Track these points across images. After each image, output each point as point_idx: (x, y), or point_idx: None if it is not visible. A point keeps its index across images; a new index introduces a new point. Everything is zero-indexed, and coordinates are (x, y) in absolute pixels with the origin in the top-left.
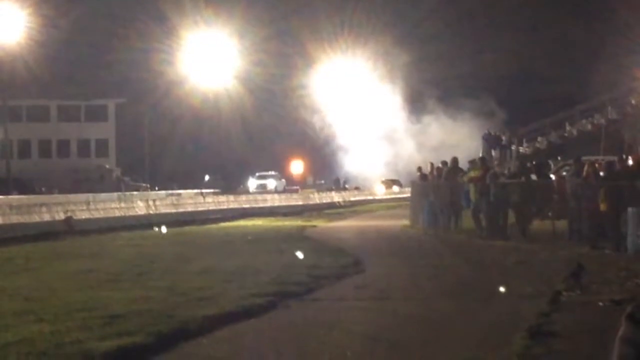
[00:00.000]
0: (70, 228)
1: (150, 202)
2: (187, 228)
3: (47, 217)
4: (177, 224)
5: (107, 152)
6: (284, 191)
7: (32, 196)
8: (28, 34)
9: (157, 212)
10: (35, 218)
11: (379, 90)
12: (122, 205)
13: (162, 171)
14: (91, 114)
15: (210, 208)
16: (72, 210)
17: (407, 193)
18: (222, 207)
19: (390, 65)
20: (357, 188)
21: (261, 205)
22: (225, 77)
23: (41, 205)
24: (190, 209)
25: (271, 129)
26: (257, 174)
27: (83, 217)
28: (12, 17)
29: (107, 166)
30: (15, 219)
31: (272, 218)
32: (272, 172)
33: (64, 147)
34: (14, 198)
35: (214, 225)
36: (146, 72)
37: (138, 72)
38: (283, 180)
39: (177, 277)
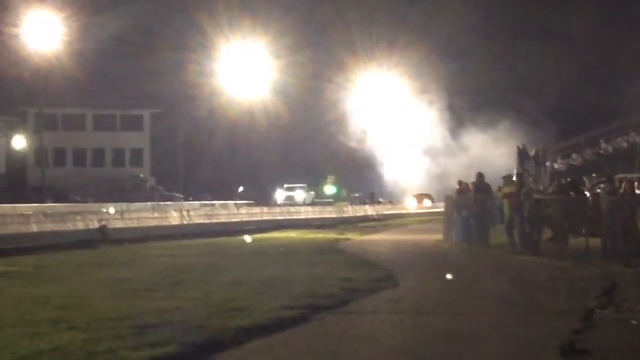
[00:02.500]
0: (104, 237)
1: (185, 213)
2: (220, 239)
3: (81, 226)
4: (210, 235)
5: (142, 162)
6: (313, 203)
7: (66, 205)
8: (65, 43)
9: (191, 222)
10: (70, 227)
11: (416, 103)
12: (157, 215)
13: (197, 182)
14: (127, 124)
15: (244, 220)
16: (107, 220)
17: (440, 208)
18: (256, 218)
19: (427, 78)
20: (390, 202)
21: (295, 217)
22: (261, 89)
23: (76, 214)
24: (224, 220)
25: (306, 141)
26: (285, 186)
27: (117, 226)
28: (49, 26)
29: (142, 176)
30: (49, 227)
31: (306, 230)
32: (301, 184)
33: (99, 156)
34: (49, 206)
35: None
36: (182, 83)
37: (174, 83)
38: (312, 192)
39: (210, 287)
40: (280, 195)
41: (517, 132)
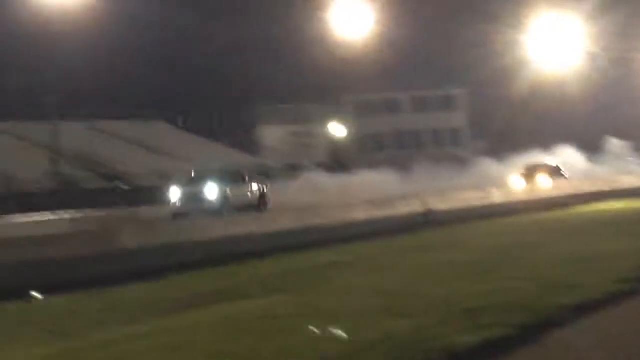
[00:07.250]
0: (426, 220)
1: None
2: (543, 215)
3: (405, 211)
4: (534, 210)
5: (461, 141)
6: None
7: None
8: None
9: (515, 199)
10: (395, 211)
11: None
12: (479, 194)
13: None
14: (441, 104)
15: (563, 193)
16: (429, 202)
17: None
18: (572, 191)
19: None
20: None
21: (618, 187)
22: (573, 58)
23: (400, 198)
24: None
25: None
26: (192, 175)
27: (440, 207)
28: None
29: (462, 154)
30: (375, 214)
31: (632, 199)
32: (219, 173)
33: (417, 138)
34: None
35: (568, 211)
36: (491, 56)
37: (483, 57)
38: (259, 185)
39: (532, 266)
40: (174, 192)
41: None
